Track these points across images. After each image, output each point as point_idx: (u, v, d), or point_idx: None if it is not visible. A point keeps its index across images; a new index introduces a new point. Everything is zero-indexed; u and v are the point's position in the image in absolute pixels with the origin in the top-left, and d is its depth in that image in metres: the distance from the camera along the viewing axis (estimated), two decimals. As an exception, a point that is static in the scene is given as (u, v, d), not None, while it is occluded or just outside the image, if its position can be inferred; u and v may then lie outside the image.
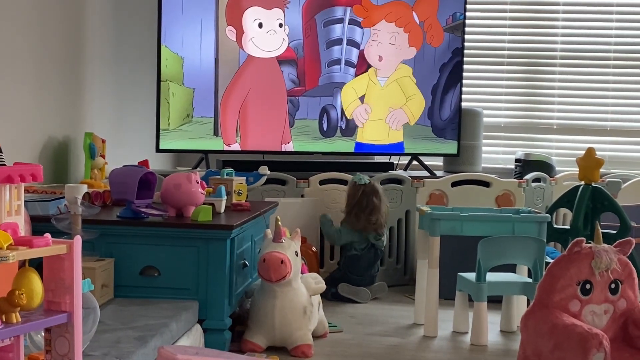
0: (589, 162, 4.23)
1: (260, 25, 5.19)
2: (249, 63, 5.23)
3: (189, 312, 3.17)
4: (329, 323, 3.93)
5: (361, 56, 5.39)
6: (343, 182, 4.96)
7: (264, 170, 4.43)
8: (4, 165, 3.39)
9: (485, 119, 5.79)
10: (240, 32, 5.19)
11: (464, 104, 5.58)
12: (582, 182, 4.28)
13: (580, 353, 2.62)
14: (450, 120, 5.52)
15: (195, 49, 5.14)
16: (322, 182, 4.99)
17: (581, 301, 2.78)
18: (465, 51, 5.57)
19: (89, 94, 4.72)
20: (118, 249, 3.31)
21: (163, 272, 3.33)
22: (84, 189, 2.96)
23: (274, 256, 3.48)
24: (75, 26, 4.54)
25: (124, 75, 5.19)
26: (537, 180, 5.31)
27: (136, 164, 4.03)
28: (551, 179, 5.41)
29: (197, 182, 3.49)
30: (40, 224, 2.79)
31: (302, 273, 3.71)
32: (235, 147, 5.21)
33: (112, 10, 5.02)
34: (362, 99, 5.40)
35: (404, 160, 5.64)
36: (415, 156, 5.58)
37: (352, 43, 5.39)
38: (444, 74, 5.49)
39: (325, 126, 5.37)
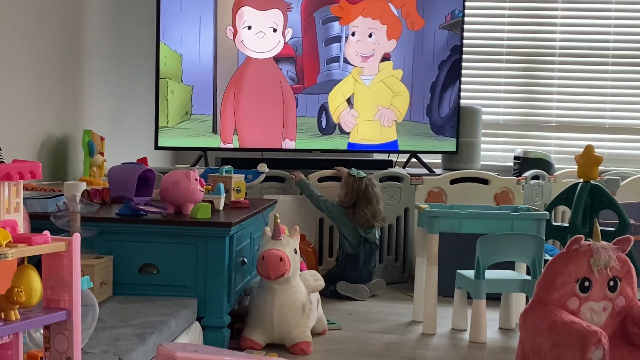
0: (588, 159, 4.23)
1: (249, 28, 5.19)
2: (247, 62, 5.23)
3: (187, 309, 3.17)
4: (327, 320, 3.93)
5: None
6: (341, 179, 4.95)
7: (263, 167, 4.43)
8: (3, 162, 3.39)
9: (484, 117, 5.80)
10: (235, 32, 5.19)
11: (462, 102, 5.58)
12: (581, 180, 4.28)
13: (579, 350, 2.62)
14: (449, 117, 5.52)
15: (194, 46, 5.14)
16: (320, 180, 4.99)
17: (580, 298, 2.78)
18: (464, 49, 5.57)
19: (88, 92, 4.71)
20: (117, 247, 3.31)
21: (162, 269, 3.33)
22: (83, 186, 2.94)
23: (272, 254, 3.48)
24: (73, 24, 4.53)
25: (123, 72, 5.19)
26: (535, 177, 5.31)
27: (135, 161, 4.03)
28: (550, 176, 5.41)
29: (196, 180, 3.49)
30: (39, 222, 2.80)
31: (300, 270, 3.71)
32: (234, 144, 5.21)
33: (111, 7, 5.02)
34: (350, 100, 5.38)
35: (403, 157, 5.64)
36: (414, 154, 5.57)
37: (351, 41, 5.39)
38: (442, 72, 5.48)
39: (324, 123, 5.37)
